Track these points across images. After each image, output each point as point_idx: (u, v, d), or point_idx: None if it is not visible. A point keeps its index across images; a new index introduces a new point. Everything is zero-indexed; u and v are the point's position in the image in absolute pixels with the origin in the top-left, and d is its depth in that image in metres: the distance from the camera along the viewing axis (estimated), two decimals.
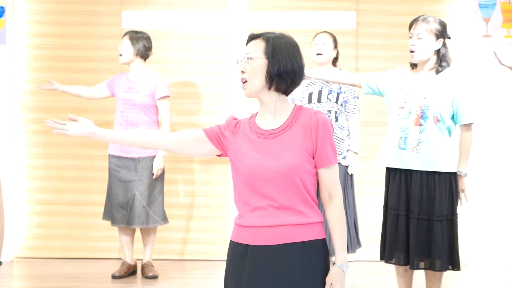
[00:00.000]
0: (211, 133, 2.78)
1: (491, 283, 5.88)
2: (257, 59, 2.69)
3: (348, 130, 5.54)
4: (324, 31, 5.65)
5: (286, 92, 2.75)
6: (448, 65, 4.47)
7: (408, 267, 4.50)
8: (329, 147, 2.68)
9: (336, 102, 5.45)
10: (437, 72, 4.47)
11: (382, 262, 4.62)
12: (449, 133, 4.46)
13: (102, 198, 5.96)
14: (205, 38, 6.58)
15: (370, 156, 6.05)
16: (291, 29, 5.89)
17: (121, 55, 5.80)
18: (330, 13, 6.46)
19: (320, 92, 5.42)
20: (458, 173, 4.49)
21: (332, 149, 2.68)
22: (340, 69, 5.61)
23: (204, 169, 6.58)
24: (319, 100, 5.42)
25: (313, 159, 2.67)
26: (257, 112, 2.79)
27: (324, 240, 2.72)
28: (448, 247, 4.41)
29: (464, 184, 4.51)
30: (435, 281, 4.53)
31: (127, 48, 5.76)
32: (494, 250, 6.46)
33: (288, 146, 2.66)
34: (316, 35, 5.62)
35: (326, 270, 2.70)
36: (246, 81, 2.71)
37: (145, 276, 5.80)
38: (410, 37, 4.43)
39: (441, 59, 4.46)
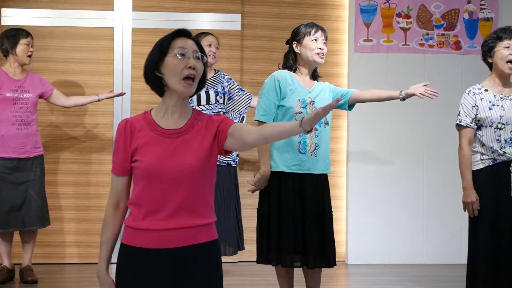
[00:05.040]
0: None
1: (369, 281, 6.03)
2: (201, 64, 2.67)
3: None
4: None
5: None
6: None
7: (289, 268, 4.54)
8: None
9: (224, 103, 5.49)
10: (317, 79, 4.61)
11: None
12: None
13: None
14: (89, 37, 6.46)
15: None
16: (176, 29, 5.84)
17: (30, 56, 5.76)
18: (216, 15, 6.47)
19: (207, 93, 5.41)
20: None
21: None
22: None
23: (84, 171, 6.47)
24: (208, 102, 5.41)
25: (217, 149, 2.65)
26: (150, 110, 2.72)
27: (216, 241, 2.70)
28: (332, 243, 4.51)
29: None
30: (316, 279, 4.58)
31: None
32: (372, 249, 6.64)
33: (191, 146, 2.61)
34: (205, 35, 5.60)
35: (211, 272, 2.67)
36: (194, 79, 2.65)
37: (24, 281, 5.65)
38: (315, 40, 4.48)
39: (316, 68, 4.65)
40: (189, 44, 2.66)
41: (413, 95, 4.52)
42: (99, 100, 6.00)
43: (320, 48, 4.48)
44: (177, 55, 2.62)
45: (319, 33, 4.51)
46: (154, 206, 2.58)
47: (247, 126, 2.69)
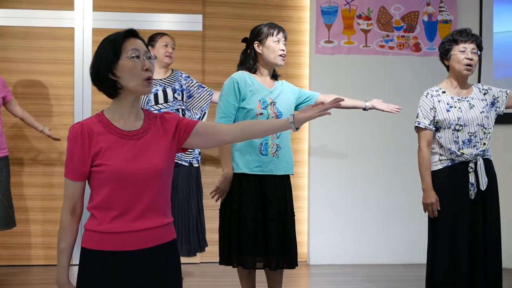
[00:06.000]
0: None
1: (330, 281, 6.07)
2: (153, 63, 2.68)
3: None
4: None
5: None
6: None
7: (251, 269, 4.54)
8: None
9: (182, 100, 5.48)
10: (276, 78, 4.60)
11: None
12: None
13: None
14: (49, 37, 6.41)
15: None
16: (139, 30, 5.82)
17: None
18: (177, 16, 6.44)
19: (164, 92, 5.39)
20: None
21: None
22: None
23: (48, 172, 6.41)
24: (165, 101, 5.40)
25: (175, 148, 2.69)
26: (102, 112, 2.69)
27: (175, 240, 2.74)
28: (295, 244, 4.52)
29: None
30: (278, 280, 4.58)
31: None
32: (334, 249, 6.69)
33: (154, 146, 2.62)
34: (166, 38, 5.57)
35: (175, 270, 2.69)
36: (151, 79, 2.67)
37: None
38: (278, 41, 4.47)
39: None
40: (140, 45, 2.67)
41: (379, 109, 4.82)
42: (42, 131, 5.97)
43: (282, 50, 4.48)
44: (133, 57, 2.62)
45: (281, 34, 4.50)
46: (123, 209, 2.57)
47: (219, 125, 2.78)
